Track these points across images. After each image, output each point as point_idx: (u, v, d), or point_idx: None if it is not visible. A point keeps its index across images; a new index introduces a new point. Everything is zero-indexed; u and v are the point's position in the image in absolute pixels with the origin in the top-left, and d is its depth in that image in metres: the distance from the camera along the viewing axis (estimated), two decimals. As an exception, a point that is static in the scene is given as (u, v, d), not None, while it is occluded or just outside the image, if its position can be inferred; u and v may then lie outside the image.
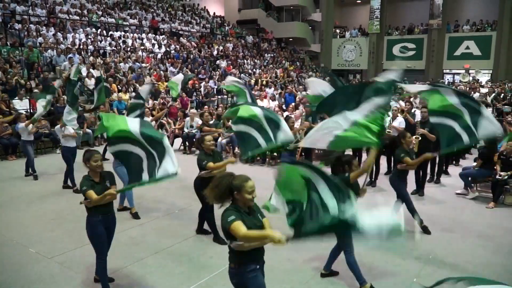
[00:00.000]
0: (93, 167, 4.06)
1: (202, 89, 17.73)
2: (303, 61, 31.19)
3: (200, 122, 11.53)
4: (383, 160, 9.06)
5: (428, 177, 8.37)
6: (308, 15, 32.87)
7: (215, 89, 17.90)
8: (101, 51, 17.59)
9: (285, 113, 11.87)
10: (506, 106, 14.33)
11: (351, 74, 33.99)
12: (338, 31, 33.98)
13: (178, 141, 12.18)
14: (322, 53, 33.14)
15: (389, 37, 31.24)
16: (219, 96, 17.68)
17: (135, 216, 6.39)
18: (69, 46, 16.24)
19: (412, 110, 10.43)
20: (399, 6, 32.50)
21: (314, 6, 33.22)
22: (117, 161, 6.23)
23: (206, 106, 13.00)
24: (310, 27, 33.20)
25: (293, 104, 12.54)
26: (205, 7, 30.91)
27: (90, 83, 14.31)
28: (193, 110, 12.27)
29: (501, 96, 16.00)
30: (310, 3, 32.63)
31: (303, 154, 9.87)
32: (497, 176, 7.22)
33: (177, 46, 21.73)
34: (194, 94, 17.03)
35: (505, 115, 13.15)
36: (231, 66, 22.30)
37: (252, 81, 20.51)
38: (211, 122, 11.18)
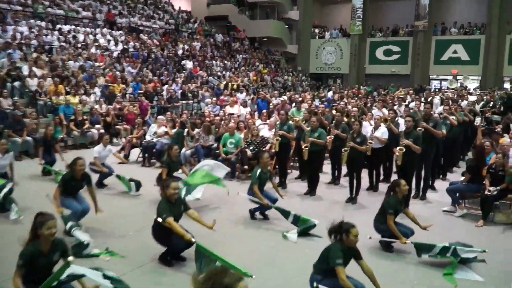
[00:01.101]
0: (46, 236, 3.79)
1: (164, 93, 17.59)
2: (279, 63, 31.53)
3: (164, 130, 11.43)
4: (365, 174, 9.19)
5: (413, 193, 8.53)
6: (284, 12, 33.34)
7: (179, 93, 17.79)
8: (47, 47, 17.19)
9: (258, 121, 11.89)
10: (495, 116, 14.86)
11: (331, 79, 34.68)
12: (317, 31, 34.61)
13: (135, 152, 12.00)
14: (299, 55, 33.64)
15: (372, 39, 32.07)
16: (183, 101, 17.57)
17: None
18: (8, 40, 15.79)
19: (396, 119, 10.66)
20: (383, 6, 33.44)
21: (291, 3, 33.76)
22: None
23: (168, 112, 12.88)
24: (286, 26, 33.67)
25: (266, 111, 12.60)
26: (169, 0, 30.84)
27: (32, 83, 13.95)
28: (162, 117, 12.16)
29: (491, 105, 16.59)
30: (287, -1, 33.14)
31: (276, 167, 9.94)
32: (486, 192, 7.43)
33: (137, 44, 21.53)
34: (155, 98, 16.88)
35: (494, 125, 13.62)
36: (198, 68, 22.27)
37: (221, 85, 20.52)
38: (173, 131, 11.08)
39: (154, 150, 11.28)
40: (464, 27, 29.31)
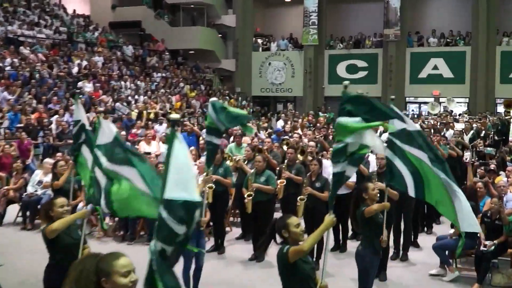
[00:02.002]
0: None
1: (53, 126, 17.21)
2: (211, 84, 31.81)
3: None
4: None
5: (391, 253, 8.74)
6: (216, 17, 33.94)
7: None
8: None
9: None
10: (488, 148, 15.65)
11: (280, 103, 35.16)
12: (260, 41, 35.36)
13: (13, 209, 11.61)
14: (237, 73, 34.16)
15: (332, 51, 33.16)
16: (81, 137, 17.20)
17: None
18: None
19: (365, 156, 10.98)
20: (344, 10, 34.83)
21: (226, 5, 34.42)
22: None
23: (59, 153, 12.57)
24: (219, 35, 34.28)
25: (195, 148, 12.58)
26: (60, 1, 30.65)
27: None
28: (50, 160, 11.80)
29: (482, 134, 17.48)
30: (219, 0, 33.85)
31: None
32: (481, 247, 7.74)
33: (15, 60, 21.05)
34: (41, 134, 16.46)
35: (487, 158, 14.32)
36: (100, 91, 22.01)
37: (133, 114, 20.34)
38: (63, 178, 10.74)
39: (39, 206, 10.89)
40: (445, 37, 30.95)
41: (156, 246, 3.41)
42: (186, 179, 3.58)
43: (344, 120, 5.10)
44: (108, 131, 5.86)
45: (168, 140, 3.67)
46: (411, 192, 5.95)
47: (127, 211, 5.64)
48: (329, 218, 5.01)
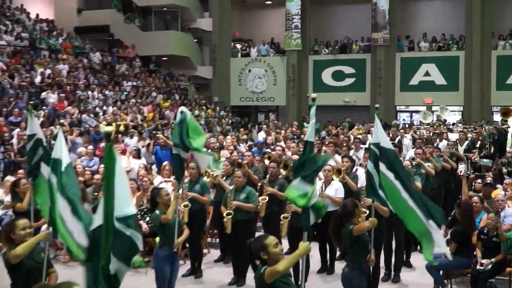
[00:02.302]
0: None
1: (14, 140, 17.10)
2: (186, 93, 31.78)
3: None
4: (315, 250, 9.30)
5: (382, 274, 8.76)
6: (191, 21, 33.95)
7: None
8: None
9: (157, 178, 11.80)
10: (484, 160, 15.82)
11: (261, 113, 35.17)
12: (239, 46, 35.45)
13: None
14: (215, 81, 34.17)
15: (316, 56, 33.32)
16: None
17: None
18: None
19: (354, 169, 11.04)
20: (329, 12, 35.09)
21: (201, 8, 34.47)
22: None
23: (21, 170, 12.45)
24: (195, 40, 34.33)
25: (169, 163, 12.53)
26: (22, 5, 30.44)
27: None
28: (11, 178, 11.70)
29: (478, 145, 17.65)
30: (194, 3, 33.86)
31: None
32: (478, 266, 7.81)
33: (-29, 69, 20.87)
34: (1, 149, 16.32)
35: (484, 170, 14.47)
36: (66, 102, 21.87)
37: (101, 127, 20.24)
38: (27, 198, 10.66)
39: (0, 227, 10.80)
40: (437, 41, 31.32)
41: (112, 268, 3.55)
42: (126, 193, 3.78)
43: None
44: (59, 148, 5.84)
45: (105, 156, 3.73)
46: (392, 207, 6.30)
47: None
48: (304, 245, 5.00)
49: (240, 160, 11.59)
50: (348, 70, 32.38)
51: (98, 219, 3.83)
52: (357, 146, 14.64)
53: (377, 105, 9.64)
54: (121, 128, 20.71)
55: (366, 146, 15.91)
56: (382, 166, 6.29)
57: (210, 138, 17.77)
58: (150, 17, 34.00)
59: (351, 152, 13.42)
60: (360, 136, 17.10)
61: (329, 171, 9.76)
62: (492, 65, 29.57)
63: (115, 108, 23.67)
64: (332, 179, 9.73)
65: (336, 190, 9.57)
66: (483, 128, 21.83)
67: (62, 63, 25.75)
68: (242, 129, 25.33)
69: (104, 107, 23.65)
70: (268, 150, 14.37)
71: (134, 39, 32.48)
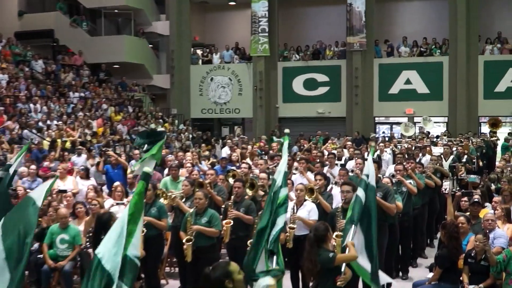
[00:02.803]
0: None
1: None
2: (141, 104, 31.62)
3: None
4: (286, 278, 9.33)
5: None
6: (146, 25, 33.89)
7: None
8: None
9: (108, 201, 11.73)
10: (472, 176, 16.02)
11: (225, 126, 35.13)
12: (200, 52, 35.46)
13: None
14: (173, 91, 34.11)
15: (286, 63, 33.43)
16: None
17: None
18: None
19: (328, 188, 11.12)
20: (299, 15, 35.35)
21: (157, 10, 34.44)
22: None
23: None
24: (150, 46, 34.26)
25: (121, 184, 12.48)
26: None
27: None
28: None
29: (464, 160, 17.90)
30: (148, 4, 33.82)
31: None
32: (465, 293, 7.93)
33: None
34: None
35: (471, 187, 14.57)
36: (5, 116, 21.65)
37: (45, 143, 20.06)
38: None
39: None
40: (418, 45, 31.59)
41: None
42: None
43: None
44: None
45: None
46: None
47: None
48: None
49: (201, 180, 11.59)
50: (321, 78, 32.48)
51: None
52: (332, 162, 14.62)
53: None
54: (67, 145, 20.53)
55: (342, 162, 16.12)
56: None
57: (168, 155, 17.78)
58: (100, 20, 33.81)
59: (325, 169, 13.49)
60: (335, 151, 17.20)
61: (301, 191, 9.79)
62: (479, 72, 29.83)
63: (60, 122, 23.46)
64: (305, 200, 9.77)
65: (309, 211, 9.60)
66: (470, 141, 22.10)
67: (1, 72, 25.48)
68: (203, 145, 25.28)
69: (48, 121, 23.40)
70: (233, 167, 14.40)
71: (81, 45, 32.23)
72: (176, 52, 33.65)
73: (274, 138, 26.61)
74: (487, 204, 11.44)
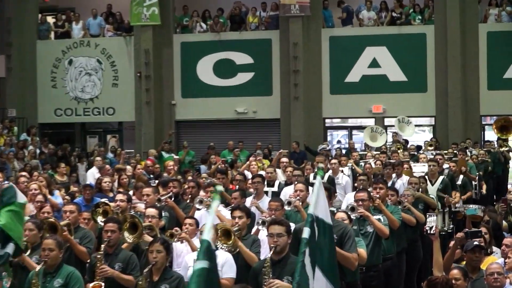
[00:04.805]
0: None
1: None
2: None
3: None
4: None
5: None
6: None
7: None
8: None
9: None
10: (471, 206, 16.32)
11: (92, 136, 34.81)
12: (52, 21, 35.24)
13: None
14: (10, 81, 34.18)
15: (187, 36, 33.41)
16: None
17: None
18: None
19: (253, 230, 11.19)
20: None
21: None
22: None
23: None
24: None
25: None
26: None
27: None
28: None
29: (459, 182, 18.23)
30: None
31: None
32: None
33: None
34: None
35: (468, 224, 14.73)
36: None
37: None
38: None
39: None
40: (389, 9, 31.83)
41: None
42: None
43: None
44: None
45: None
46: None
47: None
48: None
49: (54, 220, 11.46)
50: (241, 59, 32.64)
51: None
52: (259, 189, 14.62)
53: (321, 165, 10.08)
54: None
55: (274, 189, 16.06)
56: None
57: (3, 181, 17.46)
58: None
59: (248, 201, 13.46)
60: (263, 173, 17.19)
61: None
62: (480, 49, 30.17)
63: None
64: (218, 247, 9.73)
65: (222, 265, 9.57)
66: (468, 153, 22.32)
67: None
68: (60, 165, 25.00)
69: None
70: (104, 199, 14.28)
71: None
72: (15, 21, 33.38)
73: (164, 155, 26.31)
74: (494, 248, 11.44)
